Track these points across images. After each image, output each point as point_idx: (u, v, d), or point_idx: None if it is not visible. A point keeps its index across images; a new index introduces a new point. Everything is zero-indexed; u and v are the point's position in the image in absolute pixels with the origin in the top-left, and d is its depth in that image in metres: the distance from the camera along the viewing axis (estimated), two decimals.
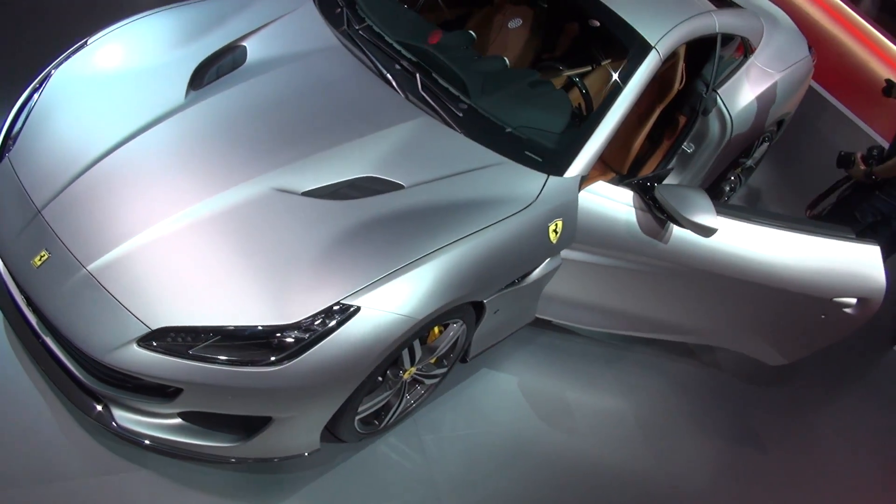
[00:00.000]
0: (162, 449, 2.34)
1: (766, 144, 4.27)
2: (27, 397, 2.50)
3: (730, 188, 4.29)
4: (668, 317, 3.19)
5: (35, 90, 2.71)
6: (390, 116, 2.72)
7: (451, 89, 2.88)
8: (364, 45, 2.99)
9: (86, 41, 2.83)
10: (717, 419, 3.48)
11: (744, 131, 3.72)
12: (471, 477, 2.78)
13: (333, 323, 2.16)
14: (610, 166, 3.73)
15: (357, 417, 2.49)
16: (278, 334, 2.13)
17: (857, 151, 3.74)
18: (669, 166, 3.53)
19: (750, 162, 4.24)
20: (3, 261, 2.36)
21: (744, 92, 3.69)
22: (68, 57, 2.78)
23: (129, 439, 2.32)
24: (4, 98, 2.83)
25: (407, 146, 2.64)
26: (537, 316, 3.16)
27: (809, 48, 4.35)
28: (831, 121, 6.49)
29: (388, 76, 2.86)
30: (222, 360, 2.11)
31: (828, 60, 6.80)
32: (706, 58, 3.50)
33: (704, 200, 2.68)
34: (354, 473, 2.63)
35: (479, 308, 2.64)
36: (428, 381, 2.77)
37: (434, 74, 2.92)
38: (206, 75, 2.78)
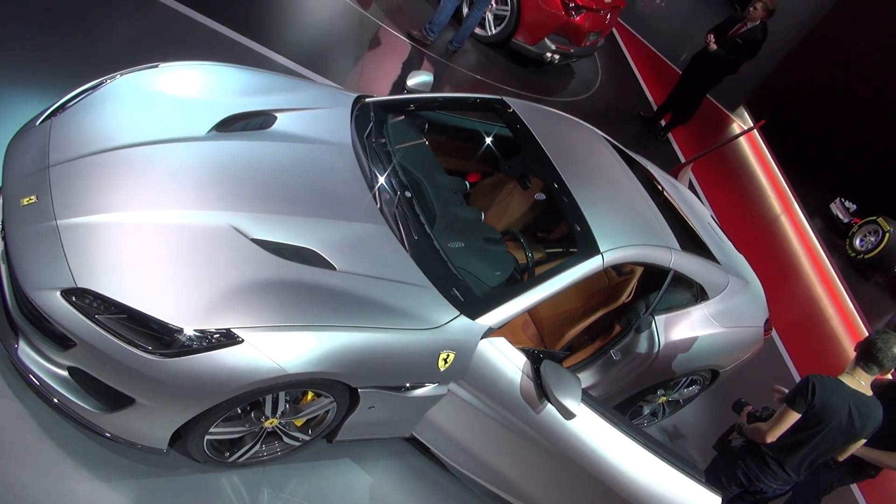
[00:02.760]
0: (42, 393, 2.68)
1: (696, 387, 4.56)
2: None
3: (651, 412, 4.57)
4: (520, 482, 3.42)
5: (101, 83, 3.31)
6: (356, 213, 3.19)
7: (421, 217, 3.36)
8: (370, 153, 3.52)
9: (158, 64, 3.45)
10: None
11: (670, 362, 4.05)
12: None
13: (216, 342, 2.53)
14: (543, 339, 4.09)
15: (208, 437, 2.79)
16: (170, 333, 2.51)
17: (751, 405, 3.87)
18: (589, 364, 3.86)
19: (676, 396, 4.53)
20: (2, 193, 2.85)
21: (681, 328, 4.04)
22: (138, 70, 3.40)
23: (22, 372, 2.68)
24: (80, 78, 3.43)
25: (356, 241, 3.09)
26: (414, 435, 3.45)
27: (767, 323, 4.72)
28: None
29: (374, 184, 3.36)
30: (117, 333, 2.49)
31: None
32: (658, 284, 3.91)
33: (575, 387, 3.01)
34: (186, 489, 2.90)
35: (354, 396, 2.97)
36: (287, 440, 3.07)
37: (414, 200, 3.41)
38: (234, 125, 3.34)
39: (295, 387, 2.77)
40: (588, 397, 3.17)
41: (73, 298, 2.52)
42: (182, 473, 2.93)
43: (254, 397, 2.70)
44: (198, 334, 2.53)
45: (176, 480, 2.90)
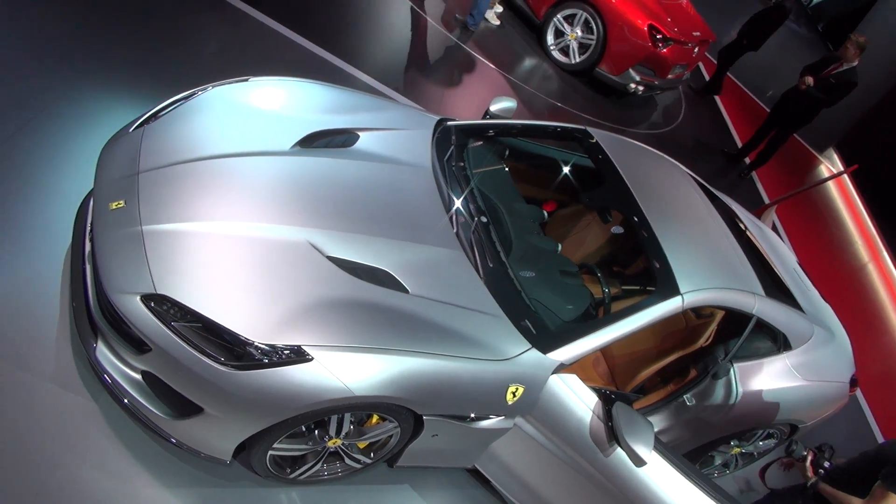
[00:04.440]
0: (115, 393, 2.72)
1: (772, 440, 4.33)
2: (49, 299, 3.02)
3: (723, 463, 4.36)
4: None
5: (193, 94, 3.39)
6: (432, 237, 3.16)
7: (497, 245, 3.30)
8: (449, 177, 3.50)
9: (248, 78, 3.52)
10: None
11: (747, 413, 3.86)
12: None
13: (286, 359, 2.52)
14: (613, 377, 3.96)
15: (271, 452, 2.78)
16: (242, 346, 2.51)
17: (811, 449, 3.42)
18: (663, 408, 3.72)
19: (750, 448, 4.31)
20: (93, 196, 2.92)
21: (761, 378, 3.85)
22: (229, 83, 3.47)
23: (98, 371, 2.73)
24: (173, 89, 3.53)
25: (430, 265, 3.05)
26: (477, 467, 3.37)
27: (853, 378, 4.46)
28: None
29: (451, 208, 3.33)
30: (191, 341, 2.51)
31: None
32: (739, 330, 3.73)
33: (648, 432, 2.88)
34: (244, 502, 2.89)
35: (419, 423, 2.92)
36: (349, 461, 3.03)
37: (491, 226, 3.36)
38: (317, 141, 3.37)
39: (361, 409, 2.73)
40: (660, 444, 3.03)
41: (152, 304, 2.55)
42: (243, 485, 2.93)
43: (319, 416, 2.68)
44: (268, 349, 2.52)
45: (236, 492, 2.90)
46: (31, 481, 2.58)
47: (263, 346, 2.52)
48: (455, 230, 3.26)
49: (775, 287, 4.07)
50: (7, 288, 3.00)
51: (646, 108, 8.96)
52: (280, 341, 2.54)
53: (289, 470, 2.95)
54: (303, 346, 2.55)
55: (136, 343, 2.62)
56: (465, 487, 3.49)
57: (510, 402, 2.97)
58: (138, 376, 2.70)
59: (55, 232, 3.26)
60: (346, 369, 2.58)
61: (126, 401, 2.71)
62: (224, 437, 2.69)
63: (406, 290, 2.90)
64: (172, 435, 2.73)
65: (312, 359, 2.54)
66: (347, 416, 2.79)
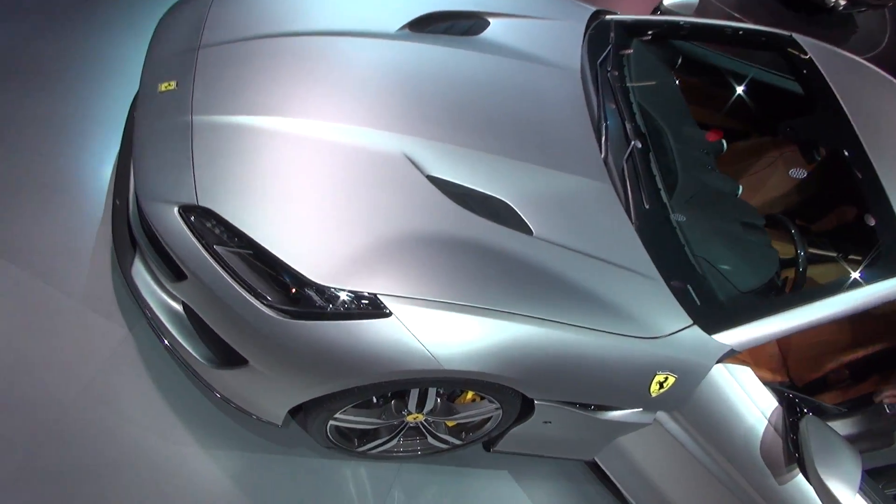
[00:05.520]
0: (152, 324, 2.17)
1: None
2: (93, 207, 2.48)
3: None
4: None
5: None
6: (571, 162, 2.36)
7: (658, 180, 2.45)
8: (603, 86, 2.64)
9: None
10: None
11: None
12: None
13: (357, 311, 1.85)
14: (786, 364, 3.07)
15: (333, 423, 2.16)
16: (301, 286, 1.86)
17: None
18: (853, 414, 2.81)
19: None
20: (142, 74, 2.31)
21: None
22: None
23: (133, 293, 2.18)
24: None
25: (566, 200, 2.27)
26: (597, 461, 2.64)
27: None
28: None
29: (601, 126, 2.49)
30: (235, 273, 1.88)
31: None
32: None
33: (853, 469, 2.02)
34: (304, 474, 2.32)
35: (527, 405, 2.21)
36: (432, 441, 2.38)
37: (651, 155, 2.51)
38: (433, 25, 2.59)
39: (452, 385, 2.05)
40: (869, 484, 2.17)
41: (192, 218, 1.93)
42: (300, 454, 2.35)
43: (395, 388, 2.02)
44: (335, 294, 1.86)
45: (289, 461, 2.34)
46: (45, 424, 2.10)
47: (329, 291, 1.86)
48: (603, 155, 2.43)
49: None
50: (51, 184, 2.49)
51: (844, 29, 7.46)
52: (351, 286, 1.87)
53: (356, 442, 2.33)
54: (379, 297, 1.87)
55: (174, 267, 2.03)
56: (580, 482, 2.77)
57: (654, 395, 2.19)
58: (179, 307, 2.14)
59: (111, 126, 2.71)
60: (435, 333, 1.88)
61: (164, 339, 2.16)
62: (272, 399, 2.09)
63: (529, 231, 2.14)
64: (216, 387, 2.17)
65: (390, 314, 1.86)
66: (433, 391, 2.11)
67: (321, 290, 1.86)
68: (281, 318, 1.86)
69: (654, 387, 2.17)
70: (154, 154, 2.04)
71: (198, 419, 2.26)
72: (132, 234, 2.21)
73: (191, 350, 2.11)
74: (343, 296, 1.86)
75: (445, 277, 1.95)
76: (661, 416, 2.33)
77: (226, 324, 1.95)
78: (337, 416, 2.11)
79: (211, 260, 1.89)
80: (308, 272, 1.86)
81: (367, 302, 1.87)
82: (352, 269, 1.89)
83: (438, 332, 1.88)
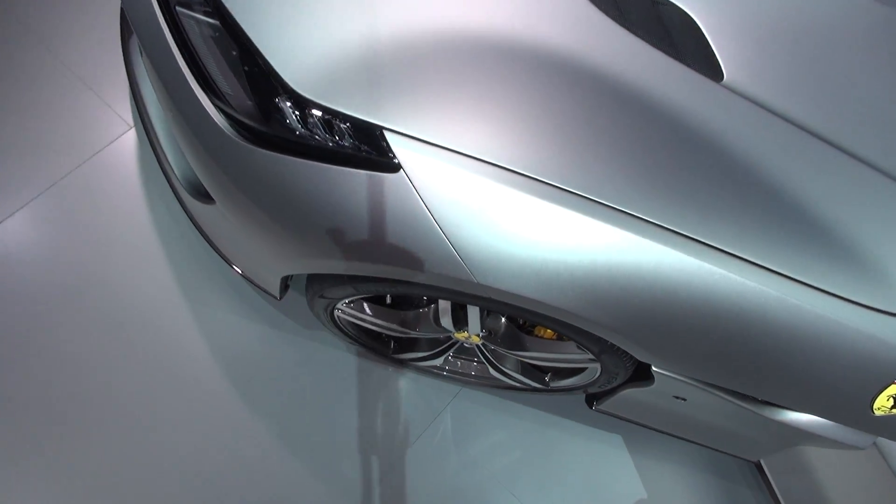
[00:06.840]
0: (145, 124, 1.55)
1: None
2: None
3: None
4: None
5: None
6: None
7: None
8: None
9: None
10: None
11: None
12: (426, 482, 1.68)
13: (347, 151, 1.06)
14: None
15: (338, 314, 1.44)
16: (279, 95, 1.09)
17: None
18: None
19: None
20: None
21: None
22: None
23: (130, 81, 1.56)
24: None
25: (802, 31, 1.23)
26: (762, 465, 1.72)
27: None
28: None
29: None
30: (196, 55, 1.15)
31: None
32: None
33: None
34: (352, 374, 1.67)
35: (642, 370, 1.34)
36: (495, 373, 1.59)
37: None
38: None
39: (499, 309, 1.22)
40: None
41: None
42: (323, 341, 1.68)
43: (399, 291, 1.23)
44: (325, 120, 1.07)
45: (328, 354, 1.67)
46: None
47: (315, 111, 1.07)
48: None
49: None
50: None
51: None
52: (347, 109, 1.06)
53: (394, 346, 1.61)
54: (389, 133, 1.05)
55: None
56: (730, 479, 1.86)
57: (878, 413, 1.21)
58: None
59: None
60: (474, 219, 1.05)
61: (156, 147, 1.54)
62: (250, 258, 1.40)
63: (718, 75, 1.16)
64: (199, 222, 1.53)
65: (399, 167, 1.05)
66: (476, 312, 1.30)
67: (301, 104, 1.07)
68: (237, 138, 1.11)
69: (884, 400, 1.18)
70: None
71: (200, 272, 1.66)
72: None
73: (171, 160, 1.47)
74: (339, 125, 1.07)
75: (527, 132, 1.08)
76: (882, 442, 1.35)
77: (176, 126, 1.24)
78: (339, 306, 1.39)
79: (161, 21, 1.17)
80: (289, 76, 1.08)
81: (365, 140, 1.06)
82: (357, 84, 1.08)
83: (482, 220, 1.04)
